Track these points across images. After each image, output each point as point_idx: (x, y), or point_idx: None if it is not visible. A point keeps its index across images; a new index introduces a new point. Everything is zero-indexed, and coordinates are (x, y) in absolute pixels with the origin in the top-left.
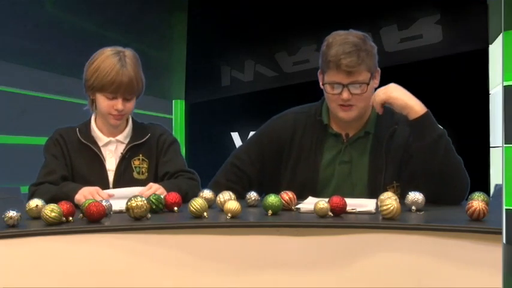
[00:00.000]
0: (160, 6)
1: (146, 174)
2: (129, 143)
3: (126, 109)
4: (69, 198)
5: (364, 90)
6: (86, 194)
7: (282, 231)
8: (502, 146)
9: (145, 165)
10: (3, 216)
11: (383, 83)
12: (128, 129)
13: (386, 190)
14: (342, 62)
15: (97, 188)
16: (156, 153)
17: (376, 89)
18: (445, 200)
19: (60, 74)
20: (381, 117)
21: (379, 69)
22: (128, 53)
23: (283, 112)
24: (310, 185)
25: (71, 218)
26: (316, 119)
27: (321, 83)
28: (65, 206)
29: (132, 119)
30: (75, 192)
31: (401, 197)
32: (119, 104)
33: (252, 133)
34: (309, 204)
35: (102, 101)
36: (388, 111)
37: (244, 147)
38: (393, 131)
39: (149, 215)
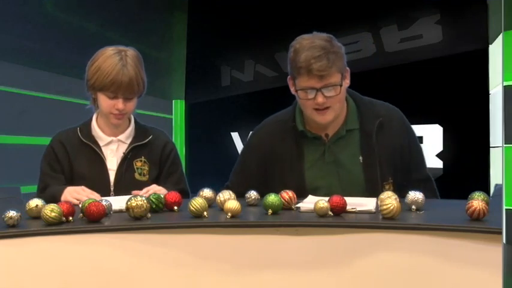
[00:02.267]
0: (160, 6)
1: (147, 176)
2: (131, 143)
3: (127, 108)
4: (56, 200)
5: (337, 92)
6: (72, 193)
7: (281, 231)
8: (502, 146)
9: (146, 168)
10: (3, 216)
11: (383, 82)
12: (130, 130)
13: (383, 186)
14: (312, 66)
15: (82, 187)
16: (160, 161)
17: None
18: None
19: (60, 74)
20: (363, 112)
21: (348, 68)
22: (130, 52)
23: (259, 125)
24: (300, 191)
25: (71, 218)
26: (291, 125)
27: (292, 89)
28: (65, 206)
29: (135, 119)
30: (60, 192)
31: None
32: (119, 103)
33: (251, 133)
34: (309, 203)
35: (103, 101)
36: (368, 105)
37: (234, 169)
38: (380, 124)
39: (149, 215)
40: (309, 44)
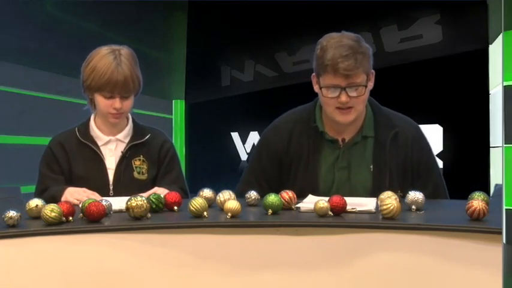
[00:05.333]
0: (160, 6)
1: (146, 175)
2: (129, 142)
3: (124, 107)
4: (56, 200)
5: (361, 92)
6: (73, 194)
7: (281, 231)
8: (502, 146)
9: (145, 166)
10: (3, 216)
11: (383, 82)
12: (128, 129)
13: None
14: (339, 65)
15: (83, 189)
16: (158, 160)
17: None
18: None
19: (60, 74)
20: (380, 121)
21: (373, 71)
22: (124, 51)
23: (273, 123)
24: (312, 193)
25: (71, 218)
26: (311, 125)
27: (315, 87)
28: (65, 206)
29: (132, 118)
30: (61, 193)
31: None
32: (116, 102)
33: (251, 133)
34: (309, 203)
35: (100, 101)
36: (386, 115)
37: (248, 170)
38: (395, 134)
39: (149, 215)
40: (337, 43)
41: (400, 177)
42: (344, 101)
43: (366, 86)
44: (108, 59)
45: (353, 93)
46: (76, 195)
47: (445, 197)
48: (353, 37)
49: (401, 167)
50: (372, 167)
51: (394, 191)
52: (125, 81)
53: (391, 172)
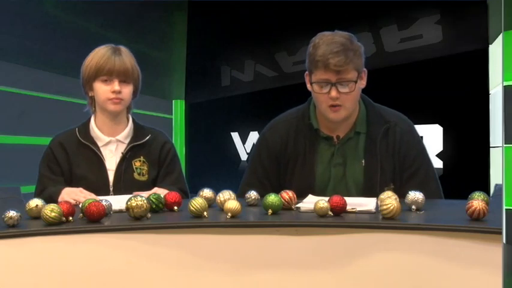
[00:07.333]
0: (160, 6)
1: (147, 176)
2: (129, 143)
3: (123, 93)
4: (53, 201)
5: (352, 88)
6: (70, 194)
7: (281, 231)
8: (502, 146)
9: (145, 167)
10: (3, 216)
11: (383, 82)
12: (128, 129)
13: (383, 190)
14: (330, 61)
15: (80, 189)
16: (159, 161)
17: (363, 89)
18: None
19: (60, 74)
20: (372, 117)
21: (365, 69)
22: (123, 48)
23: (270, 123)
24: (308, 190)
25: (71, 218)
26: (306, 123)
27: (308, 85)
28: (65, 206)
29: (133, 119)
30: (58, 193)
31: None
32: (115, 85)
33: (251, 133)
34: (309, 203)
35: (99, 88)
36: (378, 111)
37: (249, 171)
38: (386, 129)
39: (149, 215)
40: (328, 40)
41: (391, 172)
42: (334, 96)
43: (356, 82)
44: (106, 49)
45: (343, 89)
46: (73, 195)
47: (437, 195)
48: (345, 35)
49: (391, 162)
50: (363, 162)
51: (386, 185)
52: (122, 65)
53: (382, 167)
